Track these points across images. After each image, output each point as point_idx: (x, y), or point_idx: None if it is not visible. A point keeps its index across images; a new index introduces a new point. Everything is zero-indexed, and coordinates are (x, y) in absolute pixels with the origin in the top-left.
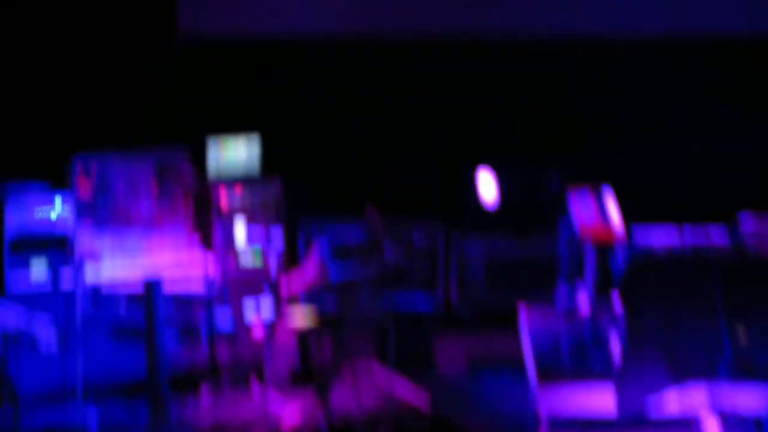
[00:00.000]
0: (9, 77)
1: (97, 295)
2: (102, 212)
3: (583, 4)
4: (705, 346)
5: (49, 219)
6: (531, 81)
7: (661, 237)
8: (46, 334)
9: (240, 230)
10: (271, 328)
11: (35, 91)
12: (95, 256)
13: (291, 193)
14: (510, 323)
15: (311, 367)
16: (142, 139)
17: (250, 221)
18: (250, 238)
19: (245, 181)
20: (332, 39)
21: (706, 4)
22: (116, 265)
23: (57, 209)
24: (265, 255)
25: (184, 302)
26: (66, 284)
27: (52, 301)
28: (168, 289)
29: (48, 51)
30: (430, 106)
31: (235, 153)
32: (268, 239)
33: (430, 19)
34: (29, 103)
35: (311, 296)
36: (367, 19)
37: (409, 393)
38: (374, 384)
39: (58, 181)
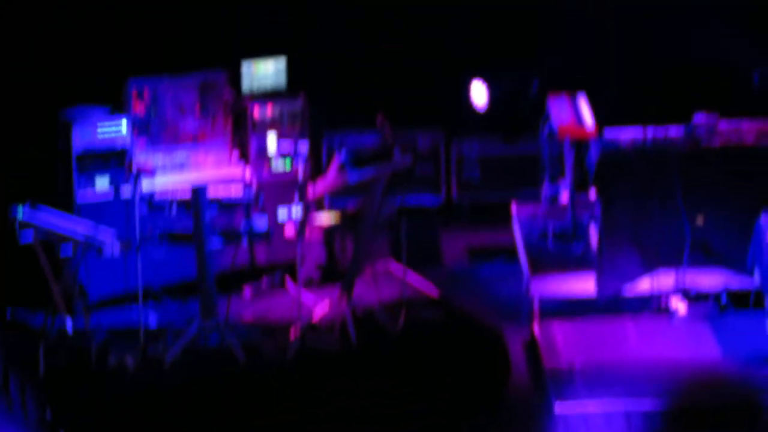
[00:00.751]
0: (70, 17)
1: (152, 203)
2: (154, 130)
3: None
4: (669, 233)
5: (110, 137)
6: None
7: (628, 135)
8: (109, 241)
9: (272, 141)
10: (301, 227)
11: (92, 25)
12: (150, 170)
13: (314, 107)
14: (503, 217)
15: (336, 263)
16: (186, 64)
17: (280, 133)
18: (280, 148)
19: (275, 97)
20: None
21: None
22: (167, 176)
23: (117, 128)
24: (293, 162)
25: (226, 207)
26: (125, 194)
27: (114, 209)
28: (212, 194)
29: None
30: (428, 26)
31: (265, 73)
32: (295, 148)
33: None
34: (89, 36)
35: (334, 198)
36: None
37: (420, 284)
38: (390, 277)
39: (116, 104)
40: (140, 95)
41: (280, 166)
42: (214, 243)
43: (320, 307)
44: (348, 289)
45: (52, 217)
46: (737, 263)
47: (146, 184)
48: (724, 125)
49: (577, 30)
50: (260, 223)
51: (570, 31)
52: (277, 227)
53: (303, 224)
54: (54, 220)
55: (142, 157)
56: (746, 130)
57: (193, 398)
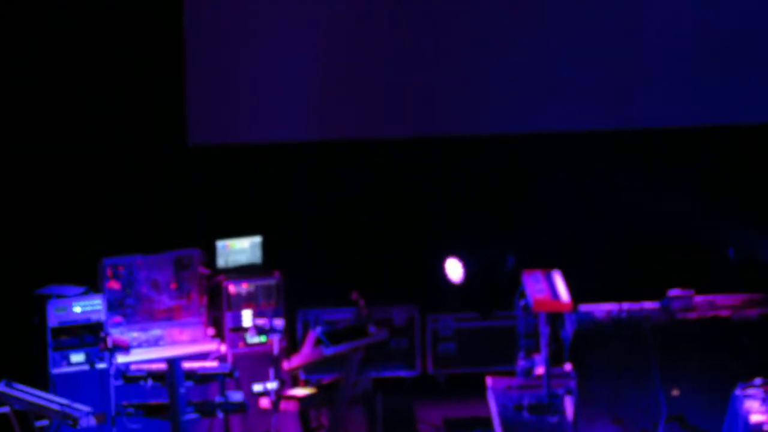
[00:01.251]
0: (52, 201)
1: (127, 376)
2: (129, 307)
3: (527, 107)
4: (645, 406)
5: (85, 313)
6: (487, 177)
7: (603, 309)
8: (84, 413)
9: (247, 316)
10: (276, 399)
11: (69, 207)
12: (125, 344)
13: (289, 284)
14: (479, 389)
15: None
16: (161, 244)
17: (256, 309)
18: (256, 323)
19: (250, 274)
20: (317, 147)
21: (641, 103)
22: (142, 351)
23: (92, 305)
24: (268, 336)
25: (201, 380)
26: (100, 366)
27: (89, 381)
28: (187, 367)
29: (74, 175)
30: (402, 204)
31: (241, 249)
32: (271, 323)
33: (395, 125)
34: (64, 219)
35: (310, 372)
36: (347, 127)
37: None
38: None
39: (92, 284)
40: (115, 274)
41: (255, 340)
42: (190, 415)
43: None
44: None
45: (28, 392)
46: None
47: (121, 358)
48: (699, 299)
49: (553, 208)
50: (235, 395)
51: (545, 209)
52: (252, 400)
53: (278, 397)
54: (29, 395)
55: (117, 332)
56: (721, 303)
57: None
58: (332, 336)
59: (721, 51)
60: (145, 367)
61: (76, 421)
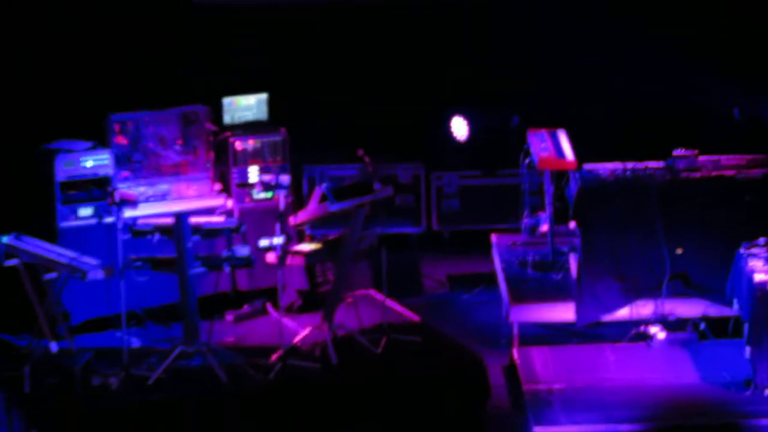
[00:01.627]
0: (60, 58)
1: (135, 230)
2: (137, 162)
3: None
4: (649, 263)
5: (93, 167)
6: (496, 37)
7: (608, 168)
8: (92, 266)
9: (253, 173)
10: (282, 255)
11: (79, 63)
12: (132, 199)
13: (296, 140)
14: (483, 246)
15: (317, 290)
16: (168, 100)
17: (262, 165)
18: (262, 179)
19: (256, 130)
20: (326, 4)
21: None
22: (150, 205)
23: (99, 159)
24: (275, 192)
25: (208, 234)
26: (108, 221)
27: (97, 235)
28: (194, 222)
29: (86, 33)
30: (411, 63)
31: (247, 106)
32: (277, 179)
33: None
34: (75, 73)
35: (315, 227)
36: None
37: (401, 310)
38: (372, 304)
39: (100, 140)
40: (122, 129)
41: (261, 196)
42: (197, 269)
43: (302, 331)
44: (329, 314)
45: (37, 244)
46: (716, 293)
47: (128, 212)
48: (703, 158)
49: (559, 70)
50: (242, 250)
51: (551, 72)
52: (258, 254)
53: (284, 252)
54: (38, 248)
55: (124, 187)
56: (725, 163)
57: (175, 417)
58: (337, 192)
59: None
60: (153, 221)
61: (84, 273)
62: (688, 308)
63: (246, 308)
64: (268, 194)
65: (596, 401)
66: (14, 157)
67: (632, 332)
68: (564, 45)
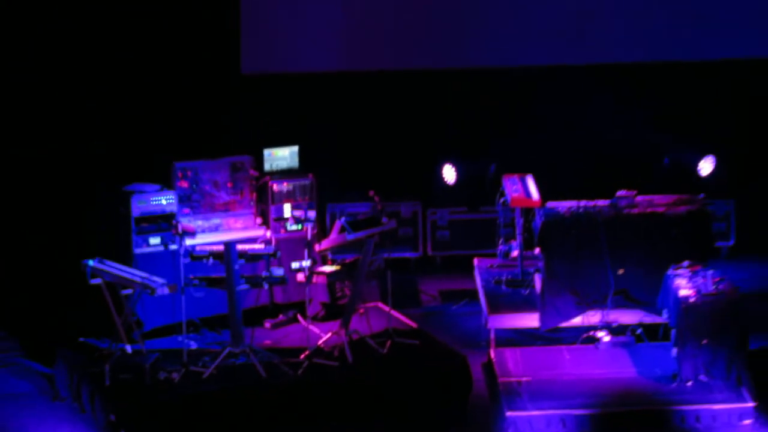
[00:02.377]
0: (136, 118)
1: (193, 255)
2: (195, 201)
3: (506, 45)
4: (597, 281)
5: (160, 205)
6: (477, 104)
7: (565, 205)
8: (160, 284)
9: (287, 209)
10: (309, 274)
11: (151, 122)
12: (191, 232)
13: (321, 183)
14: (468, 268)
15: (337, 303)
16: (220, 151)
17: (294, 203)
18: (294, 214)
19: (289, 176)
20: (345, 76)
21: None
22: (205, 235)
23: (166, 199)
24: (304, 225)
25: (251, 259)
26: (172, 248)
27: (163, 260)
28: (240, 249)
29: (154, 99)
30: (412, 123)
31: (282, 157)
32: (305, 214)
33: (409, 59)
34: (148, 130)
35: (335, 253)
36: (371, 59)
37: (402, 321)
38: (380, 314)
39: (166, 183)
40: (184, 175)
41: (293, 227)
42: (242, 286)
43: (324, 335)
44: (346, 322)
45: (116, 267)
46: (650, 305)
47: (188, 241)
48: (640, 198)
49: (526, 130)
50: (278, 271)
51: (521, 131)
52: (291, 274)
53: (311, 272)
54: (117, 269)
55: (185, 221)
56: (657, 202)
57: (224, 404)
58: (353, 225)
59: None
60: (207, 248)
61: (153, 290)
62: (628, 317)
63: (281, 317)
64: (299, 226)
65: (555, 391)
66: (98, 196)
67: (584, 336)
68: (530, 110)
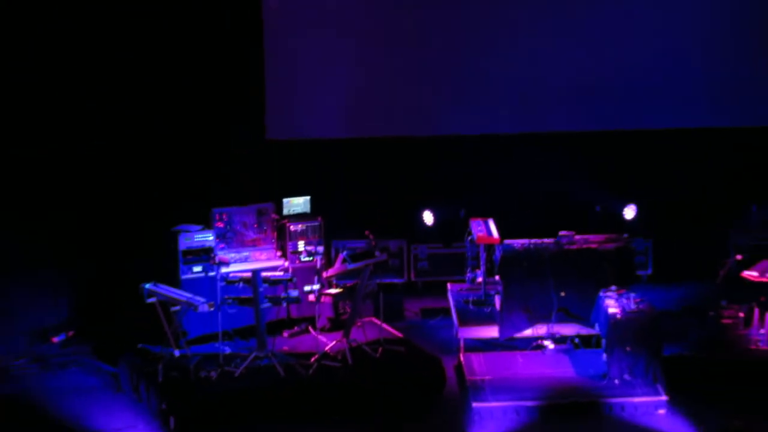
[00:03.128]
0: (184, 174)
1: (227, 280)
2: (229, 240)
3: (473, 117)
4: (544, 302)
5: (202, 241)
6: (449, 164)
7: (519, 243)
8: (201, 302)
9: (301, 245)
10: (318, 295)
11: (187, 175)
12: (226, 262)
13: (327, 224)
14: (443, 291)
15: (340, 318)
16: (248, 199)
17: (306, 240)
18: (306, 249)
19: (303, 219)
20: (347, 142)
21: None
22: (236, 265)
23: (205, 236)
24: (314, 257)
25: (272, 283)
26: (211, 274)
27: (204, 284)
28: (264, 275)
29: (195, 154)
30: (399, 178)
31: (297, 205)
32: (315, 249)
33: (397, 129)
34: (186, 183)
35: (339, 279)
36: (367, 128)
37: (391, 331)
38: (373, 327)
39: (206, 224)
40: (220, 218)
41: (306, 259)
42: (265, 304)
43: (330, 343)
44: (347, 332)
45: (167, 289)
46: (585, 320)
47: (224, 269)
48: (578, 237)
49: (488, 182)
50: (293, 292)
51: (485, 182)
52: (304, 295)
53: (320, 294)
54: (168, 291)
55: (221, 253)
56: (592, 240)
57: (251, 397)
58: (353, 257)
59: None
60: (239, 275)
61: (196, 307)
62: (568, 329)
63: (296, 329)
64: (310, 258)
65: (511, 387)
66: (152, 234)
67: (533, 344)
68: (492, 168)
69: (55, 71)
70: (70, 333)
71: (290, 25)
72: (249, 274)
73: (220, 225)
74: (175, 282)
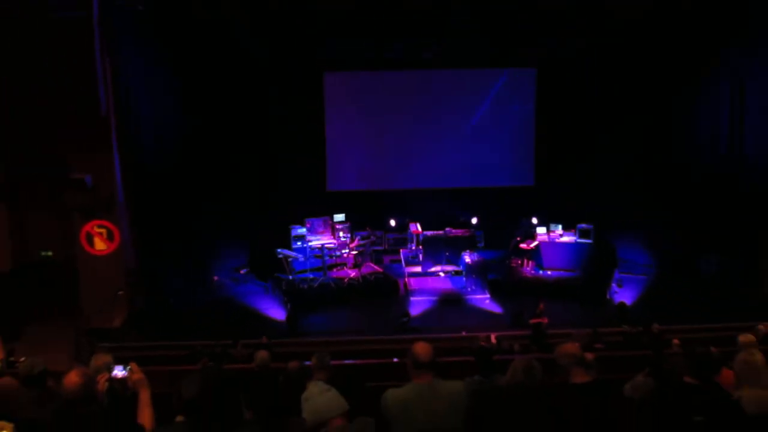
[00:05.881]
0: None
1: (311, 248)
2: (311, 231)
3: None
4: (440, 256)
5: (300, 232)
6: (401, 199)
7: (430, 233)
8: (300, 257)
9: (341, 234)
10: (349, 252)
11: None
12: (309, 240)
13: (352, 225)
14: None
15: (357, 263)
16: (319, 214)
17: (343, 232)
18: (342, 235)
19: (341, 223)
20: (361, 192)
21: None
22: (314, 242)
23: (302, 230)
24: (346, 238)
25: (329, 249)
26: (303, 245)
27: (301, 249)
28: (326, 246)
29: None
30: (379, 204)
31: (339, 216)
32: (347, 235)
33: (382, 184)
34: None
35: (357, 248)
36: (377, 184)
37: (377, 269)
38: (369, 268)
39: (302, 224)
40: (309, 222)
41: (343, 239)
42: (325, 257)
43: (352, 274)
44: (359, 268)
45: (286, 251)
46: (456, 264)
47: (309, 243)
48: (453, 230)
49: (418, 206)
50: (337, 253)
51: (415, 205)
52: (342, 254)
53: (349, 251)
54: (286, 252)
55: (309, 236)
56: (458, 231)
57: (322, 294)
58: (362, 237)
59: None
60: (315, 245)
61: (297, 258)
62: (450, 268)
63: (335, 269)
64: (344, 239)
65: (426, 290)
66: (282, 228)
67: (435, 273)
68: (418, 201)
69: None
70: (247, 269)
71: (336, 121)
72: (320, 245)
73: (308, 225)
74: (289, 248)
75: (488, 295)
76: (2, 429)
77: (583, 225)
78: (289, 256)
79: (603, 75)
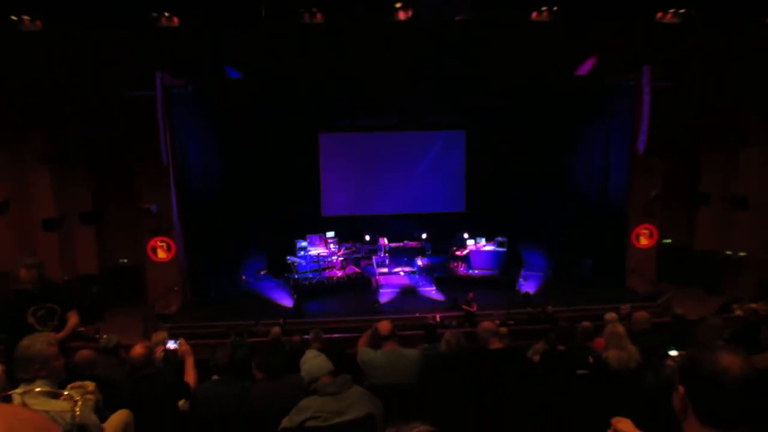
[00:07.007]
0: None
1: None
2: (310, 244)
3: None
4: (402, 260)
5: (302, 245)
6: (374, 222)
7: (394, 243)
8: (302, 262)
9: (332, 245)
10: (337, 258)
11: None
12: (308, 250)
13: (340, 239)
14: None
15: (344, 264)
16: (316, 231)
17: (333, 243)
18: (333, 246)
19: (332, 238)
20: (349, 216)
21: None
22: (313, 251)
23: (303, 243)
24: (335, 248)
25: (323, 256)
26: (305, 253)
27: (303, 257)
28: (320, 254)
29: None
30: (362, 225)
31: (330, 233)
32: (336, 246)
33: (361, 209)
34: (293, 233)
35: (345, 255)
36: (371, 208)
37: (356, 270)
38: (353, 268)
39: (304, 238)
40: (308, 238)
41: (333, 249)
42: (321, 263)
43: (339, 274)
44: (344, 269)
45: (293, 258)
46: (412, 266)
47: (309, 252)
48: (410, 243)
49: (388, 226)
50: (330, 258)
51: (386, 225)
52: (333, 259)
53: (337, 258)
54: (294, 258)
55: (309, 248)
56: (413, 244)
57: (319, 289)
58: (348, 247)
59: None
60: (313, 254)
61: (300, 262)
62: (408, 268)
63: (327, 270)
64: (334, 248)
65: (391, 285)
66: (288, 241)
67: (398, 272)
68: (388, 222)
69: None
70: (266, 270)
71: (328, 166)
72: (316, 254)
73: (309, 239)
74: (295, 255)
75: (434, 288)
76: (87, 386)
77: (500, 237)
78: (295, 261)
79: (513, 130)
